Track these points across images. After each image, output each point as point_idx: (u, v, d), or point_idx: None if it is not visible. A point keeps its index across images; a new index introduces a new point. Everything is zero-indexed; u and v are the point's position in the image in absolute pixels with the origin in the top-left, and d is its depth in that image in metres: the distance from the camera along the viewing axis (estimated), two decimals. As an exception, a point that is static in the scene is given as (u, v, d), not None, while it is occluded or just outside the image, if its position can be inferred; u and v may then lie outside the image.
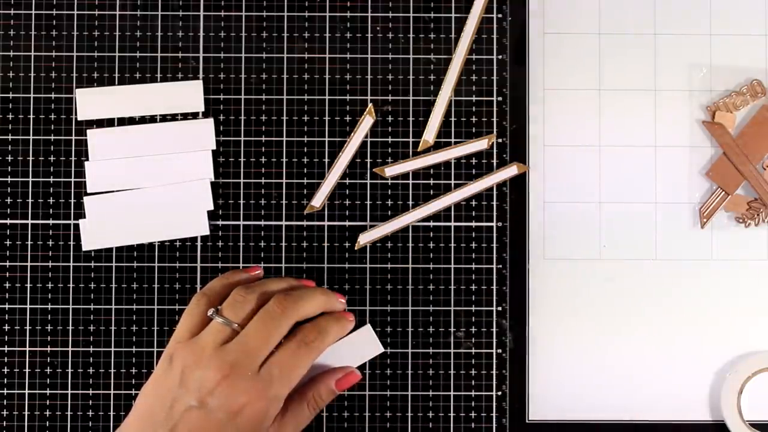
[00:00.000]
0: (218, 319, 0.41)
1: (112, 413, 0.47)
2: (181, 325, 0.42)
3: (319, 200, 0.47)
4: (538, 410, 0.47)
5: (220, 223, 0.47)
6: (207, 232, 0.47)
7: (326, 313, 0.44)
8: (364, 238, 0.47)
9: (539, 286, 0.47)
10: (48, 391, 0.47)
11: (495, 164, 0.48)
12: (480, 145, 0.48)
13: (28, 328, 0.47)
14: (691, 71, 0.48)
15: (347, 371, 0.46)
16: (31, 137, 0.47)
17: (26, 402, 0.47)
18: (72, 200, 0.47)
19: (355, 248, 0.47)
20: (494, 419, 0.47)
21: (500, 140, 0.48)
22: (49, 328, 0.47)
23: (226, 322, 0.41)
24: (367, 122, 0.47)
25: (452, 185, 0.47)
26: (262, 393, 0.40)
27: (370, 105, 0.47)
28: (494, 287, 0.47)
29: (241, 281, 0.44)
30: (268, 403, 0.40)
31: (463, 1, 0.48)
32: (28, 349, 0.47)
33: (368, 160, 0.48)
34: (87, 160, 0.47)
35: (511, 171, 0.47)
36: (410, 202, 0.47)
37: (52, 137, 0.47)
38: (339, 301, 0.45)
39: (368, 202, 0.47)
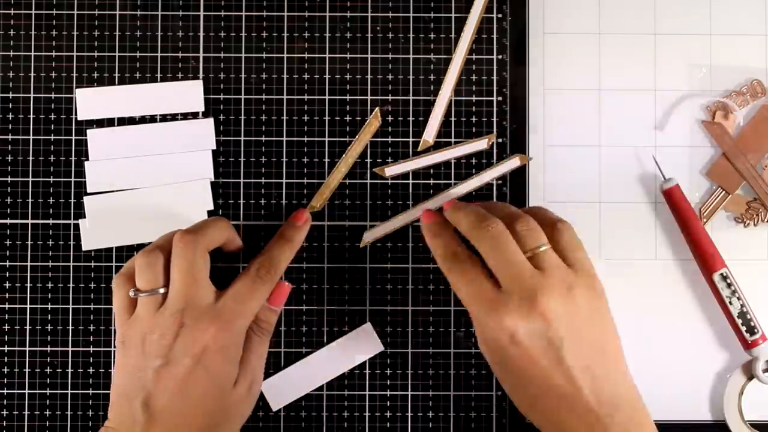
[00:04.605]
0: (141, 296, 0.41)
1: (112, 413, 0.47)
2: (117, 312, 0.42)
3: (319, 201, 0.47)
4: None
5: (220, 223, 0.47)
6: (207, 232, 0.47)
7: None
8: (368, 237, 0.47)
9: (539, 286, 0.47)
10: (48, 391, 0.47)
11: (495, 164, 0.48)
12: (480, 145, 0.48)
13: (28, 328, 0.47)
14: (691, 71, 0.48)
15: (275, 285, 0.44)
16: (31, 137, 0.47)
17: (26, 402, 0.47)
18: (72, 200, 0.47)
19: (360, 246, 0.47)
20: (494, 419, 0.47)
21: (500, 140, 0.48)
22: (49, 328, 0.47)
23: (149, 292, 0.41)
24: (373, 127, 0.47)
25: (452, 185, 0.47)
26: (223, 325, 0.40)
27: (376, 110, 0.47)
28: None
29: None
30: (230, 335, 0.41)
31: (463, 1, 0.48)
32: (28, 349, 0.47)
33: (368, 160, 0.48)
34: (87, 160, 0.47)
35: (513, 163, 0.47)
36: (410, 202, 0.47)
37: (52, 137, 0.47)
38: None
39: (368, 202, 0.47)
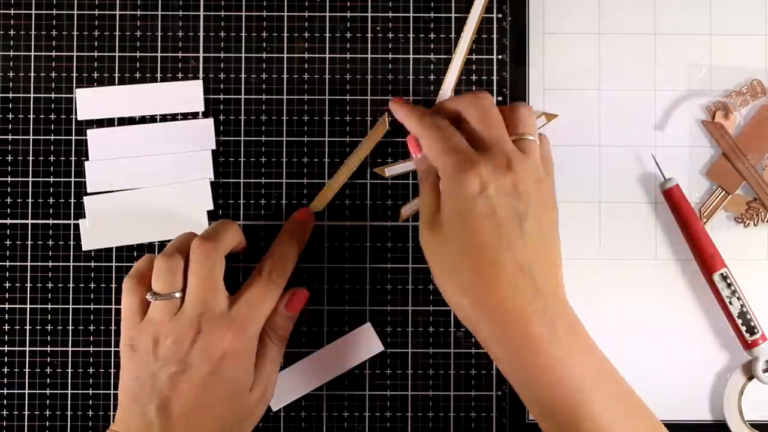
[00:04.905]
0: (159, 300, 0.41)
1: (111, 413, 0.47)
2: (126, 315, 0.42)
3: (320, 203, 0.47)
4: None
5: (220, 223, 0.47)
6: (207, 232, 0.47)
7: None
8: (407, 210, 0.47)
9: (539, 286, 0.47)
10: (48, 391, 0.47)
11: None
12: (480, 145, 0.47)
13: (28, 328, 0.47)
14: (691, 71, 0.48)
15: (293, 292, 0.45)
16: (31, 137, 0.47)
17: (26, 402, 0.47)
18: (72, 200, 0.47)
19: (400, 221, 0.47)
20: (494, 419, 0.47)
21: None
22: (49, 328, 0.47)
23: (166, 296, 0.41)
24: (380, 131, 0.47)
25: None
26: (239, 331, 0.41)
27: (384, 115, 0.47)
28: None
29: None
30: (244, 341, 0.41)
31: (463, 1, 0.48)
32: (28, 349, 0.47)
33: (368, 160, 0.48)
34: (87, 160, 0.47)
35: (541, 121, 0.47)
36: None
37: (52, 137, 0.47)
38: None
39: (368, 202, 0.47)
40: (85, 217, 0.47)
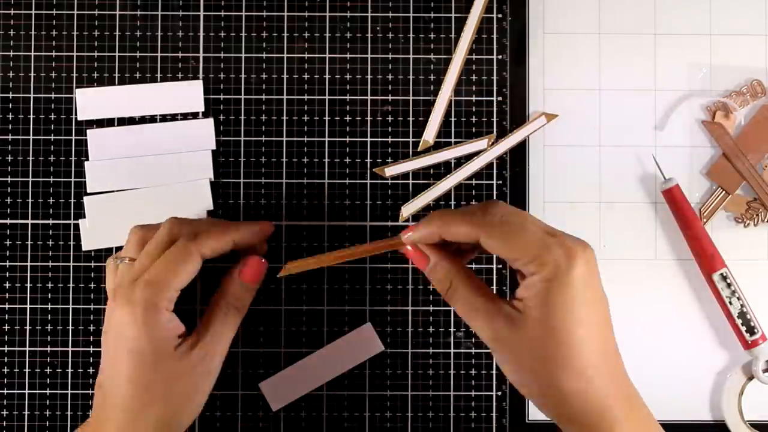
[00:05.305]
0: (117, 261, 0.41)
1: (111, 413, 0.47)
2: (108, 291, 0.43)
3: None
4: (538, 410, 0.47)
5: (220, 223, 0.47)
6: (207, 232, 0.47)
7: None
8: (406, 211, 0.47)
9: (539, 286, 0.47)
10: (48, 391, 0.47)
11: (495, 164, 0.48)
12: (480, 145, 0.48)
13: (28, 328, 0.47)
14: (691, 71, 0.48)
15: (246, 259, 0.43)
16: (31, 137, 0.47)
17: (26, 402, 0.47)
18: (72, 200, 0.47)
19: (400, 221, 0.47)
20: (494, 419, 0.47)
21: (500, 140, 0.48)
22: (49, 328, 0.47)
23: (123, 260, 0.41)
24: (395, 244, 0.43)
25: (468, 160, 0.47)
26: (128, 297, 0.39)
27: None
28: (494, 287, 0.47)
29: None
30: (135, 307, 0.38)
31: (463, 1, 0.48)
32: (28, 349, 0.47)
33: (368, 160, 0.48)
34: (87, 160, 0.47)
35: (541, 121, 0.47)
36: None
37: (52, 137, 0.47)
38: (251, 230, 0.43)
39: (368, 202, 0.47)
40: (85, 217, 0.47)
